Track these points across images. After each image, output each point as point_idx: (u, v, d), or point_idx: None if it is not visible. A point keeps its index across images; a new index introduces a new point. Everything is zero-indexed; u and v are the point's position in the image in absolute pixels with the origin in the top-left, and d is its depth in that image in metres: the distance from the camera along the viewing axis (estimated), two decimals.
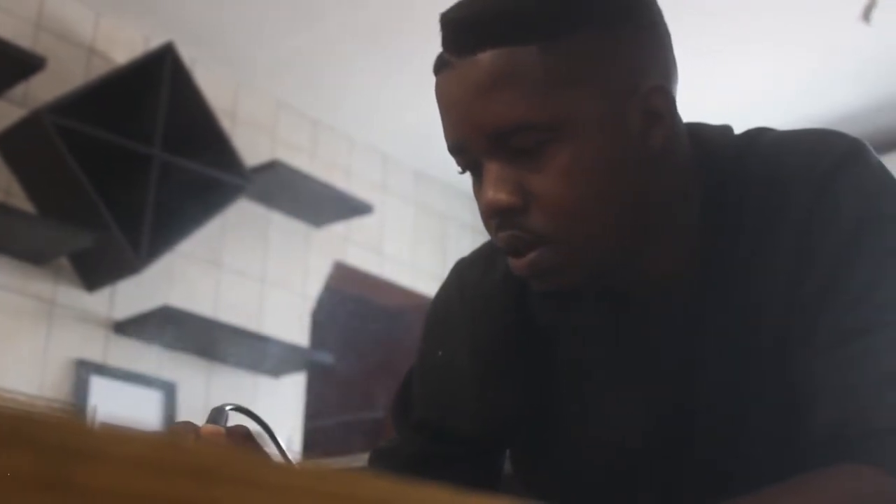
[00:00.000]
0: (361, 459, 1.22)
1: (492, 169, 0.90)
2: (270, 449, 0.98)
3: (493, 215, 0.91)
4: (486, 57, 0.88)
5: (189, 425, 0.92)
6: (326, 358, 3.71)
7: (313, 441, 3.90)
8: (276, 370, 3.70)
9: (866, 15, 3.05)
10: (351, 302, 4.31)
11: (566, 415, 1.05)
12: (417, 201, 4.51)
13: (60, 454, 0.32)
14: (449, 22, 0.92)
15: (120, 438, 0.33)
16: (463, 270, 1.14)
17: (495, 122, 0.88)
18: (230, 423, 0.96)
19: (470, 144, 0.91)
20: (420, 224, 4.50)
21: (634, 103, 0.90)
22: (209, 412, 0.95)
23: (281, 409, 3.71)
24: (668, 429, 0.98)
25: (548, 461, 1.07)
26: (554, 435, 1.06)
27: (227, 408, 0.96)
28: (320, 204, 3.88)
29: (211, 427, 0.92)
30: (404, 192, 4.46)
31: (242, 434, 0.93)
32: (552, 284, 0.93)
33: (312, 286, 3.99)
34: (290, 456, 0.98)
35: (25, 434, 0.31)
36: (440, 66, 0.93)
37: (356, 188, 4.10)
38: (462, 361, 1.09)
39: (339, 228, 4.11)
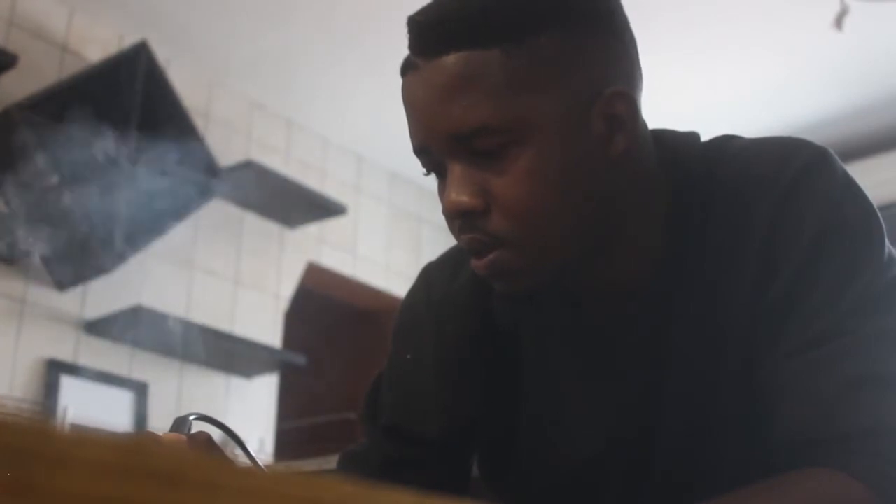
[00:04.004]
0: (334, 461, 1.22)
1: (455, 170, 0.91)
2: (237, 455, 0.98)
3: (455, 216, 0.92)
4: (449, 59, 0.89)
5: (150, 435, 0.92)
6: (299, 359, 3.70)
7: (285, 442, 3.89)
8: (249, 371, 3.69)
9: (838, 22, 3.08)
10: (324, 303, 4.30)
11: (531, 419, 1.05)
12: (391, 203, 4.51)
13: (23, 458, 0.32)
14: (415, 24, 0.92)
15: (83, 442, 0.33)
16: (431, 274, 1.14)
17: (457, 125, 0.89)
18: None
19: (434, 146, 0.92)
20: (394, 225, 4.50)
21: (597, 108, 0.91)
22: (172, 422, 0.96)
23: (253, 410, 3.70)
24: (632, 435, 0.99)
25: (514, 465, 1.07)
26: (520, 439, 1.06)
27: (191, 417, 0.96)
28: (294, 204, 3.87)
29: (172, 435, 0.93)
30: (378, 193, 4.46)
31: (204, 441, 0.94)
32: (512, 286, 0.94)
33: (285, 287, 3.99)
34: (258, 461, 0.98)
35: None
36: (406, 68, 0.94)
37: (330, 189, 4.09)
38: (429, 365, 1.09)
39: (312, 229, 4.10)
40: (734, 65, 3.72)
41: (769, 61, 3.70)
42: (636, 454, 0.98)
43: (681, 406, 0.95)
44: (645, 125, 0.97)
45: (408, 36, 0.93)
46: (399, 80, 0.96)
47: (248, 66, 3.78)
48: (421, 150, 0.95)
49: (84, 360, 3.24)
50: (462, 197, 0.90)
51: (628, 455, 0.99)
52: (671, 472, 0.97)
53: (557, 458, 1.03)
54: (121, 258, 3.17)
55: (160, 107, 3.36)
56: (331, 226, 4.15)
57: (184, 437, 0.93)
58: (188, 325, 3.36)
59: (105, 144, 3.17)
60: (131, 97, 3.27)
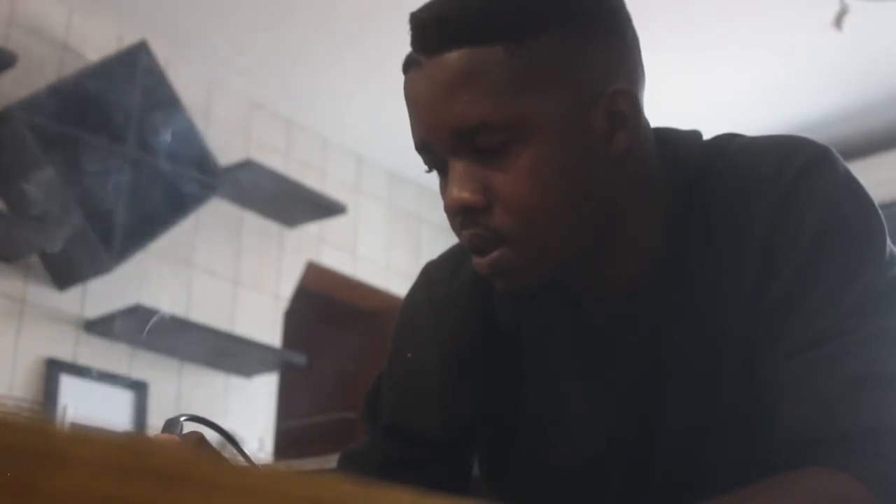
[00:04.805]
0: (333, 461, 1.22)
1: (457, 167, 0.91)
2: (233, 454, 0.98)
3: (456, 213, 0.92)
4: (452, 56, 0.89)
5: (142, 437, 0.92)
6: (299, 358, 3.70)
7: (285, 442, 3.89)
8: (249, 370, 3.69)
9: (838, 21, 3.08)
10: (324, 302, 4.30)
11: (532, 418, 1.05)
12: (391, 202, 4.51)
13: (23, 458, 0.32)
14: (418, 21, 0.92)
15: (83, 441, 0.33)
16: (431, 272, 1.14)
17: (459, 122, 0.89)
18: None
19: (435, 143, 0.92)
20: (394, 225, 4.50)
21: (599, 106, 0.91)
22: (164, 423, 0.95)
23: (253, 409, 3.70)
24: (632, 435, 0.98)
25: (514, 465, 1.07)
26: (520, 439, 1.06)
27: (182, 418, 0.96)
28: (294, 204, 3.87)
29: (165, 436, 0.92)
30: (378, 192, 4.45)
31: (196, 441, 0.93)
32: (513, 284, 0.94)
33: (285, 286, 3.98)
34: (252, 461, 0.98)
35: None
36: (409, 65, 0.94)
37: (330, 188, 4.09)
38: (429, 364, 1.09)
39: (312, 229, 4.10)
40: (734, 65, 3.72)
41: (769, 61, 3.70)
42: (636, 454, 0.98)
43: (681, 406, 0.95)
44: (647, 123, 0.97)
45: (410, 32, 0.93)
46: (399, 80, 0.96)
47: (248, 66, 3.78)
48: (422, 147, 0.95)
49: (84, 360, 3.23)
50: (464, 193, 0.90)
51: (628, 455, 0.99)
52: (671, 472, 0.97)
53: (557, 458, 1.03)
54: (120, 257, 3.17)
55: (160, 106, 3.36)
56: (330, 225, 4.15)
57: (176, 439, 0.93)
58: (188, 325, 3.36)
59: (104, 144, 3.17)
60: (131, 97, 3.27)
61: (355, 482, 0.39)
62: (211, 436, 0.98)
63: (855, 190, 0.94)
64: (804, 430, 0.86)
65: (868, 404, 0.85)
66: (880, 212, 0.94)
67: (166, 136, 3.33)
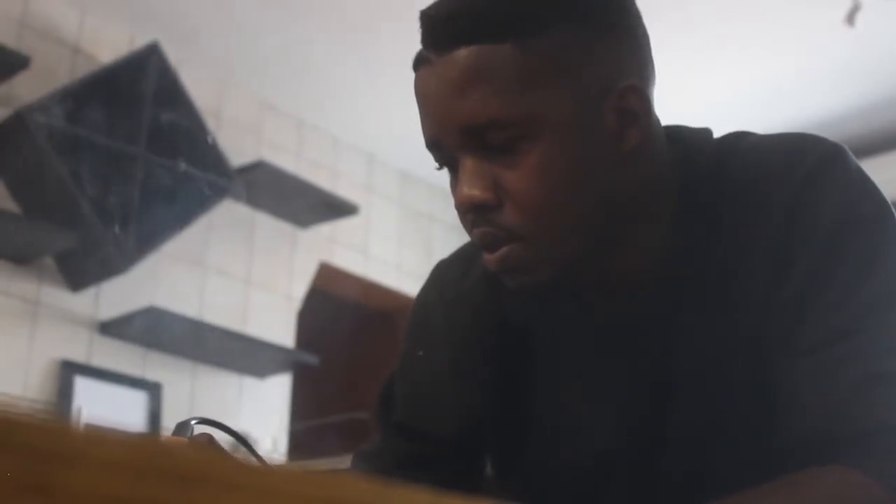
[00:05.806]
0: (347, 461, 1.22)
1: (467, 165, 0.91)
2: (245, 456, 0.98)
3: (467, 210, 0.92)
4: (461, 54, 0.89)
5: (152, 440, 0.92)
6: (312, 359, 3.70)
7: (298, 442, 3.89)
8: (262, 371, 3.69)
9: (850, 18, 3.07)
10: (336, 303, 4.30)
11: (543, 415, 1.05)
12: (403, 202, 4.51)
13: (40, 458, 0.32)
14: (427, 19, 0.93)
15: (100, 441, 0.33)
16: (443, 271, 1.15)
17: (469, 119, 0.89)
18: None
19: (445, 140, 0.92)
20: (406, 225, 4.50)
21: (609, 103, 0.91)
22: (174, 427, 0.96)
23: (266, 410, 3.71)
24: (643, 430, 0.98)
25: (525, 462, 1.07)
26: (531, 435, 1.06)
27: (193, 421, 0.96)
28: (306, 204, 3.87)
29: (174, 439, 0.92)
30: (390, 192, 4.46)
31: (205, 443, 0.93)
32: (523, 281, 0.94)
33: (298, 287, 3.99)
34: (265, 461, 0.98)
35: (4, 438, 0.31)
36: (419, 63, 0.94)
37: (342, 189, 4.09)
38: (441, 362, 1.10)
39: (324, 229, 4.11)
40: (734, 65, 3.71)
41: (769, 61, 3.69)
42: (645, 453, 0.98)
43: (689, 405, 0.95)
44: (657, 121, 0.97)
45: (420, 30, 0.93)
46: (409, 79, 0.96)
47: (260, 67, 3.79)
48: (433, 145, 0.95)
49: (97, 361, 3.25)
50: (474, 191, 0.90)
51: (637, 454, 0.99)
52: (680, 471, 0.96)
53: (567, 457, 1.03)
54: (134, 259, 3.17)
55: (172, 108, 3.36)
56: (342, 226, 4.15)
57: (185, 441, 0.93)
58: (201, 326, 3.37)
59: (116, 145, 3.17)
60: (143, 98, 3.28)
61: (371, 482, 0.39)
62: (223, 438, 0.98)
63: (868, 187, 0.94)
64: (818, 429, 0.86)
65: (883, 402, 0.85)
66: (893, 209, 0.94)
67: (178, 138, 3.33)
